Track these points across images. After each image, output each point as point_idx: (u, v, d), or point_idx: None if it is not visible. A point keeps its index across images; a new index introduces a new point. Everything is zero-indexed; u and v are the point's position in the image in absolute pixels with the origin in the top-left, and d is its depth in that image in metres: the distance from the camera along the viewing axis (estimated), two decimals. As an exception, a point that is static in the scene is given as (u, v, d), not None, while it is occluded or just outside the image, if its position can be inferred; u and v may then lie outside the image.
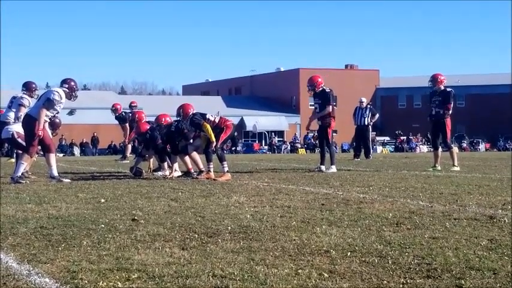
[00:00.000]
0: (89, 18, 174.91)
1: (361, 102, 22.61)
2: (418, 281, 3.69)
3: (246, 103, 71.18)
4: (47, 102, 11.10)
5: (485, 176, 12.07)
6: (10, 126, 12.03)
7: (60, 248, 4.68)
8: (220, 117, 12.34)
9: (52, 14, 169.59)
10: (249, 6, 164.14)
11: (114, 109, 22.21)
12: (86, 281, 3.70)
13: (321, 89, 14.24)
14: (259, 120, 65.05)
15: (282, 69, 77.32)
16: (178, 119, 12.43)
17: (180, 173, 12.45)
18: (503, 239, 4.91)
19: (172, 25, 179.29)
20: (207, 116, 12.00)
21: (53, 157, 11.44)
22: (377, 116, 23.53)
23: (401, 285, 3.60)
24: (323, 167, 13.96)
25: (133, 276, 3.81)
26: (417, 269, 3.95)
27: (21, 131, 11.62)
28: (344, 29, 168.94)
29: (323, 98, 14.20)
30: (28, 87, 12.81)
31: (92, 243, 4.87)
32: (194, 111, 12.13)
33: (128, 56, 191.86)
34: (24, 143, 11.45)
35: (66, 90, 11.37)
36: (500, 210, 6.63)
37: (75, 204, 7.45)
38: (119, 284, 3.65)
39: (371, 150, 24.00)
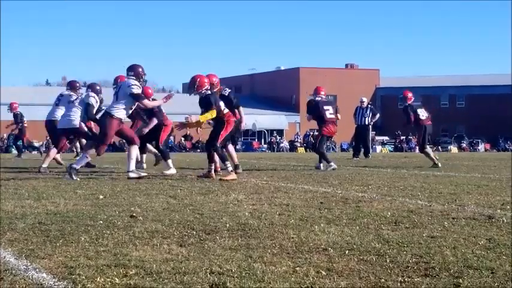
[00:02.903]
0: (89, 15, 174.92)
1: (361, 101, 22.62)
2: (416, 279, 3.68)
3: (245, 101, 70.83)
4: (136, 97, 11.04)
5: (484, 176, 12.07)
6: (72, 116, 12.64)
7: (58, 244, 4.68)
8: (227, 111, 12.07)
9: (52, 12, 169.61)
10: (250, 5, 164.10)
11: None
12: (84, 277, 3.69)
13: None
14: (259, 119, 65.02)
15: (282, 68, 77.27)
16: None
17: (174, 171, 12.36)
18: (501, 239, 4.91)
19: (172, 23, 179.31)
20: (221, 107, 11.36)
21: (135, 150, 11.30)
22: (378, 115, 23.55)
23: (399, 284, 3.60)
24: (322, 166, 14.07)
25: (130, 273, 3.80)
26: (415, 268, 3.95)
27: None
28: (345, 28, 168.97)
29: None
30: (72, 85, 13.54)
31: (90, 239, 4.86)
32: (209, 89, 11.42)
33: (128, 54, 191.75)
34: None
35: (134, 77, 11.18)
36: (499, 210, 6.63)
37: (73, 201, 7.45)
38: (116, 279, 3.64)
39: (370, 150, 24.03)
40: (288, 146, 53.74)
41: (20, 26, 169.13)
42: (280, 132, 65.32)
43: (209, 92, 11.33)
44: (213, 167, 11.59)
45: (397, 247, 4.58)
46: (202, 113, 11.29)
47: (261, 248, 4.54)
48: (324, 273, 3.82)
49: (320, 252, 4.43)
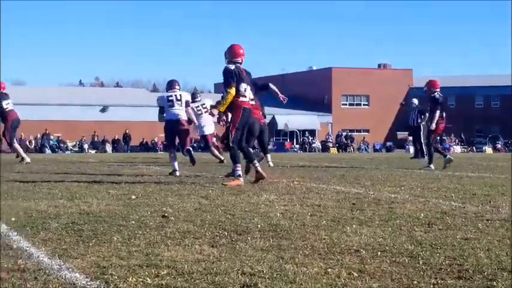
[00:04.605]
0: (123, 17, 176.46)
1: (413, 103, 22.67)
2: (449, 281, 3.64)
3: (277, 102, 70.69)
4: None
5: (519, 177, 11.90)
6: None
7: (90, 244, 4.71)
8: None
9: (85, 13, 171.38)
10: (282, 3, 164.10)
11: None
12: (116, 277, 3.71)
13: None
14: (291, 119, 64.85)
15: (315, 68, 77.07)
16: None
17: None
18: (536, 241, 4.83)
19: (204, 23, 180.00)
20: (241, 89, 10.08)
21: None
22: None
23: (432, 286, 3.56)
24: (432, 166, 14.92)
25: (162, 273, 3.81)
26: (448, 270, 3.90)
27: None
28: (377, 27, 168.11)
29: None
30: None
31: (122, 239, 4.89)
32: (234, 66, 10.15)
33: (160, 54, 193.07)
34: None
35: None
36: (534, 212, 6.53)
37: (106, 201, 7.50)
38: (148, 280, 3.65)
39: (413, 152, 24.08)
40: (320, 146, 53.63)
41: (54, 26, 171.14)
42: (312, 132, 65.12)
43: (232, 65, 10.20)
44: (256, 164, 10.22)
45: (430, 249, 4.53)
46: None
47: (292, 249, 4.53)
48: (355, 274, 3.79)
49: (352, 253, 4.41)
